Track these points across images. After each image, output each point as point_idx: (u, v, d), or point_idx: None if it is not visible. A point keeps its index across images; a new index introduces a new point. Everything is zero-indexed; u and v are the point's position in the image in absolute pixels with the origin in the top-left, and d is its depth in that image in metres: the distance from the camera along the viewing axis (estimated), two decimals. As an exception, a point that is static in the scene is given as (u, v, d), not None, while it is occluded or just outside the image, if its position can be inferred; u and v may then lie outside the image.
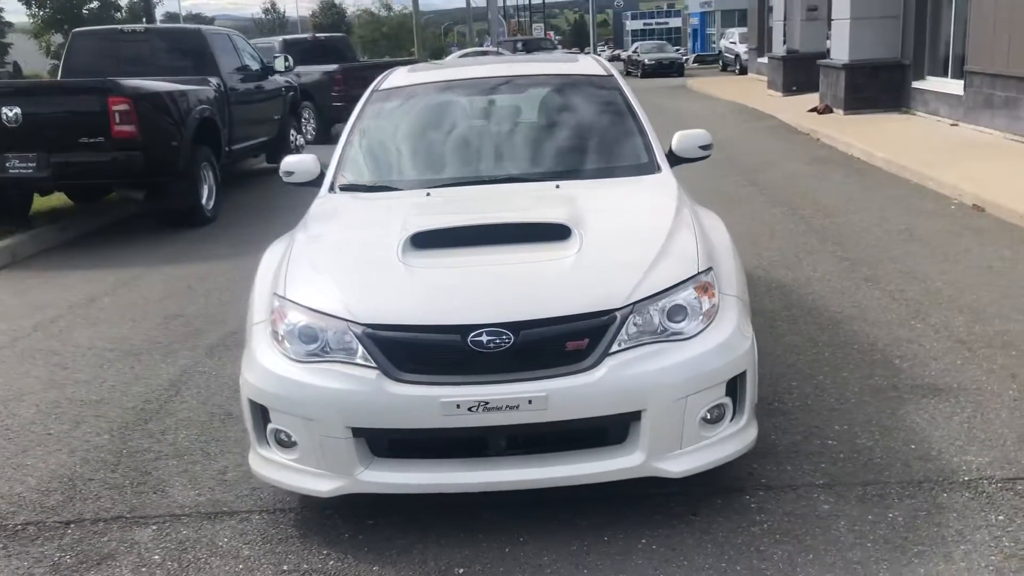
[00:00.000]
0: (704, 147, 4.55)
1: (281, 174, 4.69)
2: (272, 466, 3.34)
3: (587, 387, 3.04)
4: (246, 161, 12.78)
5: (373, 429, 3.12)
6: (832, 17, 15.88)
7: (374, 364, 3.11)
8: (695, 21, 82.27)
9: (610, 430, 3.17)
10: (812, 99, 16.90)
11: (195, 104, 9.48)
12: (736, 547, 3.13)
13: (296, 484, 3.28)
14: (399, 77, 5.07)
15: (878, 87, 14.82)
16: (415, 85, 4.95)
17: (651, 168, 4.35)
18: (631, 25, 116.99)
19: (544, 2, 75.89)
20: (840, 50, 15.34)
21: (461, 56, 25.92)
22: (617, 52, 40.65)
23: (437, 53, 58.24)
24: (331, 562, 3.19)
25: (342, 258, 3.57)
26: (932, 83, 14.22)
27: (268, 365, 3.27)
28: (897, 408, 4.15)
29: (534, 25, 73.12)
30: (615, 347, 3.10)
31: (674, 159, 4.49)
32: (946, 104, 13.52)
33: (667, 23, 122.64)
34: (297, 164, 4.60)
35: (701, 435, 3.19)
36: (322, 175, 4.57)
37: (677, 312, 3.21)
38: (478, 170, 4.42)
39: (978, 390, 4.31)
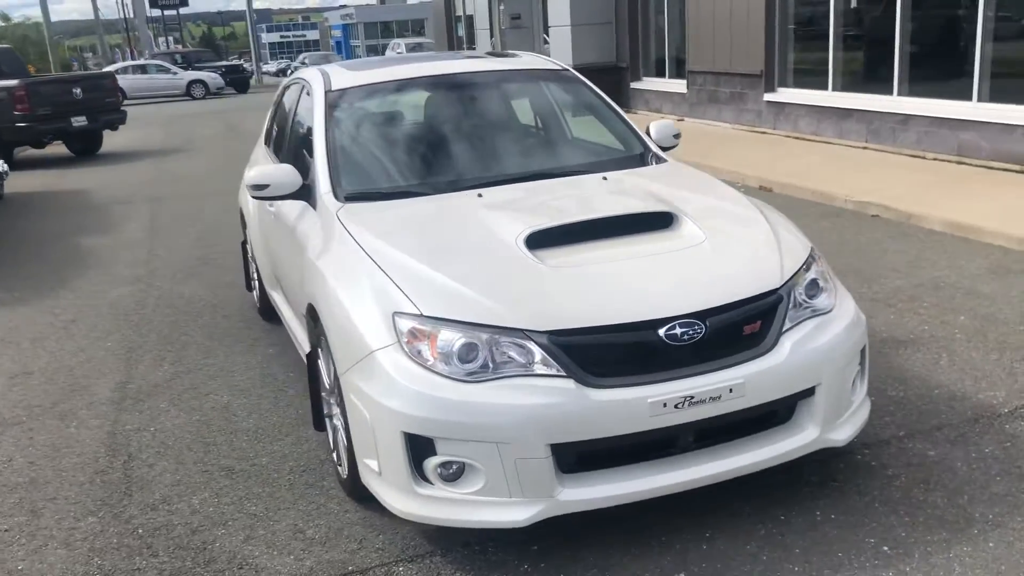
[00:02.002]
0: (676, 136, 4.69)
1: (248, 188, 4.13)
2: (439, 504, 2.96)
3: (776, 368, 3.04)
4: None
5: (573, 443, 2.88)
6: (549, 24, 16.83)
7: (564, 372, 2.88)
8: (338, 33, 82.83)
9: (779, 411, 3.19)
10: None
11: None
12: (898, 501, 3.29)
13: (479, 519, 2.93)
14: (341, 77, 4.64)
15: (601, 89, 15.90)
16: (372, 84, 4.57)
17: (658, 157, 4.40)
18: (267, 38, 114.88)
19: (178, 13, 71.86)
20: (563, 56, 16.28)
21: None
22: (297, 64, 38.92)
23: (67, 67, 53.25)
24: (530, 597, 2.91)
25: (466, 266, 3.22)
26: (652, 83, 15.59)
27: (430, 391, 2.89)
28: (891, 361, 4.58)
29: (159, 38, 68.47)
30: (786, 326, 3.14)
31: None
32: (670, 102, 14.89)
33: (304, 35, 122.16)
34: (273, 176, 4.08)
35: (851, 402, 3.32)
36: (304, 187, 4.09)
37: (812, 288, 3.31)
38: (505, 168, 4.19)
39: (932, 338, 4.87)
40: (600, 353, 2.92)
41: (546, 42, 17.89)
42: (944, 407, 4.03)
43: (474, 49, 23.27)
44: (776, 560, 3.00)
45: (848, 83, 11.16)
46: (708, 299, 3.03)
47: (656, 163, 4.36)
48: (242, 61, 50.06)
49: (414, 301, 3.06)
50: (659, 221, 3.47)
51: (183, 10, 71.85)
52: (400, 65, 4.83)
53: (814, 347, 3.14)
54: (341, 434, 3.54)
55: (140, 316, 6.38)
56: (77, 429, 4.52)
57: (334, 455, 3.73)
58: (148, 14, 58.70)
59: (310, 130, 4.37)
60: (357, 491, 3.46)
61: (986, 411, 3.97)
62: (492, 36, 20.51)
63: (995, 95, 9.03)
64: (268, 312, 5.93)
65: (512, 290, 3.08)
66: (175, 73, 35.97)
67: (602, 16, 15.98)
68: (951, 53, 9.68)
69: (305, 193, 4.09)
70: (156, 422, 4.53)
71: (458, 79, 4.70)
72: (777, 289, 3.17)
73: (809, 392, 3.15)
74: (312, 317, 3.72)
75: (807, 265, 3.36)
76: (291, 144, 4.91)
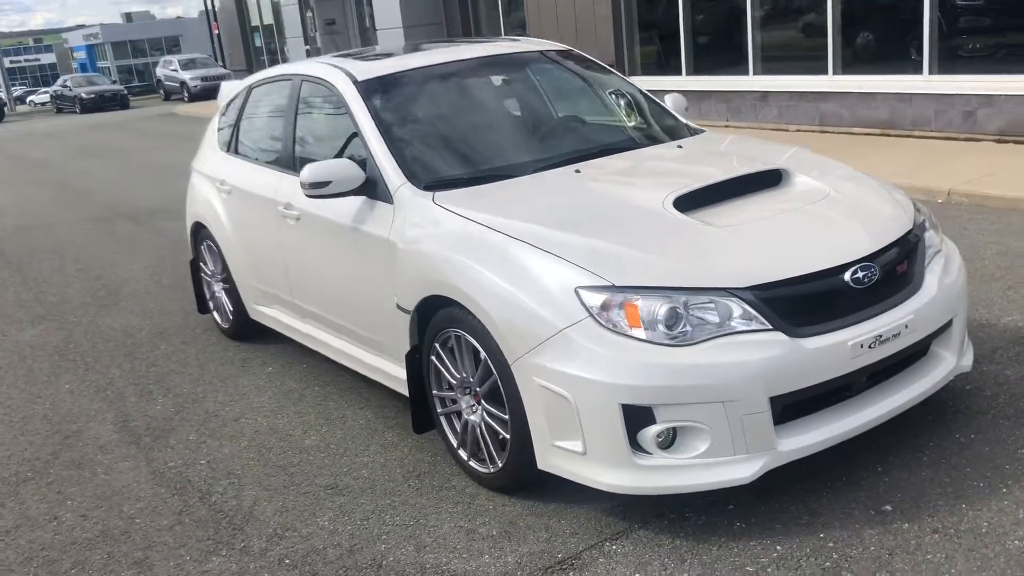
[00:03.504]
0: (686, 108, 4.84)
1: (306, 185, 3.85)
2: (661, 473, 2.91)
3: (932, 302, 3.23)
4: None
5: (789, 393, 2.93)
6: (377, 28, 16.63)
7: (770, 326, 2.92)
8: (82, 55, 77.31)
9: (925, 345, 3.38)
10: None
11: None
12: (1013, 416, 3.58)
13: (705, 481, 2.91)
14: (361, 68, 4.39)
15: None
16: (399, 73, 4.37)
17: (693, 128, 4.52)
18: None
19: None
20: (395, 58, 16.14)
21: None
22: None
23: None
24: (778, 547, 2.93)
25: (629, 234, 3.16)
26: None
27: (647, 359, 2.85)
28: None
29: None
30: (925, 263, 3.35)
31: None
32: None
33: (39, 59, 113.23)
34: (334, 171, 3.83)
35: (966, 332, 3.58)
36: (366, 182, 3.87)
37: (922, 228, 3.54)
38: (577, 144, 4.15)
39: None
40: (798, 303, 2.98)
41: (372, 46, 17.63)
42: (999, 331, 4.41)
43: (287, 60, 22.55)
44: (958, 480, 3.18)
45: (704, 67, 11.82)
46: (874, 242, 3.17)
47: (694, 134, 4.47)
48: None
49: (598, 273, 2.99)
50: (771, 178, 3.58)
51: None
52: (415, 54, 4.64)
53: (950, 281, 3.36)
54: (482, 427, 3.40)
55: (80, 353, 5.75)
56: (109, 475, 4.03)
57: (462, 452, 3.57)
58: None
59: (352, 126, 4.11)
60: (513, 483, 3.34)
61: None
62: (307, 44, 19.97)
63: (847, 68, 9.89)
64: (243, 333, 5.54)
65: (693, 251, 3.08)
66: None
67: (432, 17, 15.99)
68: (803, 32, 10.50)
69: (368, 188, 3.87)
70: (200, 455, 4.12)
71: (487, 62, 4.59)
72: (912, 229, 3.37)
73: (948, 323, 3.36)
74: (423, 312, 3.54)
75: (915, 206, 3.59)
76: (304, 145, 4.60)
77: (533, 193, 3.62)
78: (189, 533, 3.46)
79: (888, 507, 3.06)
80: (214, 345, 5.63)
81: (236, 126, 5.39)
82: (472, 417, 3.48)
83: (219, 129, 5.64)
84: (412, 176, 3.79)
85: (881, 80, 9.38)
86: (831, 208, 3.38)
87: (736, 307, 2.92)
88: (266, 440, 4.20)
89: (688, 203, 3.32)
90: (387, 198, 3.81)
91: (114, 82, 45.79)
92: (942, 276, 3.34)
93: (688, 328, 2.89)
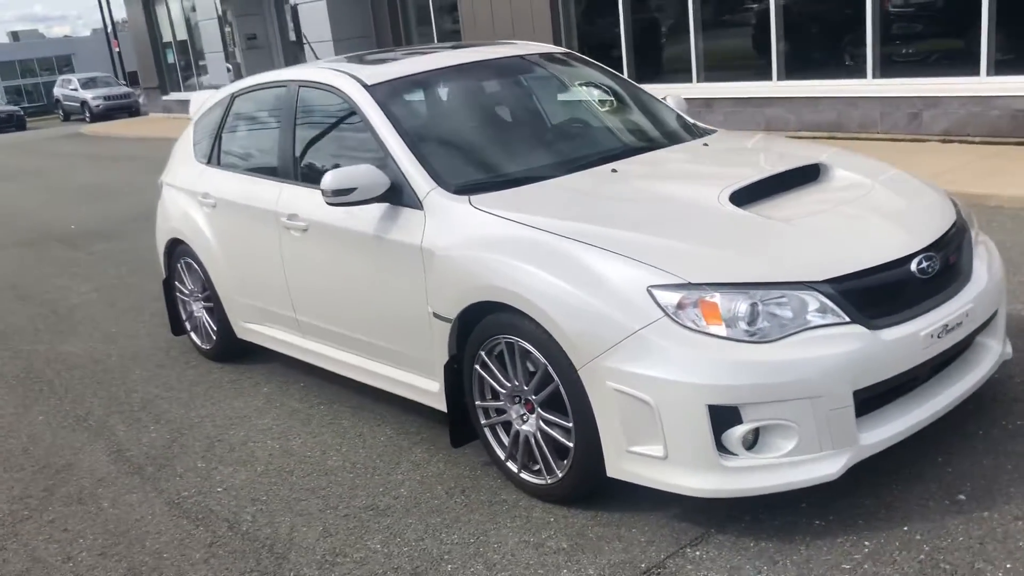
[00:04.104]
0: (686, 109, 4.82)
1: (328, 193, 3.67)
2: (748, 474, 2.83)
3: (985, 292, 3.25)
4: None
5: (871, 386, 2.89)
6: (310, 41, 16.30)
7: (848, 319, 2.89)
8: (-39, 75, 73.95)
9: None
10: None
11: None
12: (1051, 402, 3.64)
13: (795, 479, 2.83)
14: (370, 73, 4.21)
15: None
16: (409, 76, 4.22)
17: (708, 127, 4.50)
18: None
19: None
20: (325, 71, 15.86)
21: None
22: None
23: None
24: (866, 543, 2.88)
25: (690, 230, 3.09)
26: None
27: (732, 357, 2.77)
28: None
29: None
30: (972, 254, 3.37)
31: None
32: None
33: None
34: (358, 177, 3.66)
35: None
36: (391, 188, 3.72)
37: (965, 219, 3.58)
38: (604, 144, 4.08)
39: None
40: (871, 295, 2.96)
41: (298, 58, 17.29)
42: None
43: (206, 76, 21.96)
44: (1021, 467, 3.20)
45: (646, 75, 11.93)
46: (932, 232, 3.18)
47: (708, 132, 4.44)
48: None
49: (671, 271, 2.91)
50: (812, 173, 3.57)
51: None
52: (420, 57, 4.49)
53: (995, 270, 3.39)
54: (537, 437, 3.28)
55: (45, 383, 5.40)
56: (117, 509, 3.76)
57: (511, 464, 3.44)
58: None
59: (366, 131, 3.95)
60: (574, 493, 3.23)
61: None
62: (227, 60, 19.44)
63: (791, 74, 10.11)
64: (227, 353, 5.28)
65: (763, 246, 3.03)
66: None
67: (362, 30, 15.78)
68: (747, 39, 10.68)
69: (392, 195, 3.71)
70: (215, 482, 3.88)
71: (495, 65, 4.48)
72: (957, 222, 3.39)
73: (995, 312, 3.39)
74: (465, 320, 3.41)
75: (951, 199, 3.63)
76: (307, 153, 4.40)
77: (575, 194, 3.52)
78: (228, 565, 3.23)
79: (962, 496, 3.06)
80: (195, 367, 5.34)
81: (217, 137, 5.14)
82: (524, 427, 3.35)
83: (195, 141, 5.37)
84: (440, 180, 3.65)
85: (826, 84, 9.61)
86: (881, 200, 3.38)
87: (813, 301, 2.87)
88: (284, 463, 3.98)
89: (743, 198, 3.28)
90: (414, 204, 3.65)
91: (9, 103, 43.88)
92: (987, 267, 3.37)
93: (765, 324, 2.84)
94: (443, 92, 4.27)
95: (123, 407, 4.86)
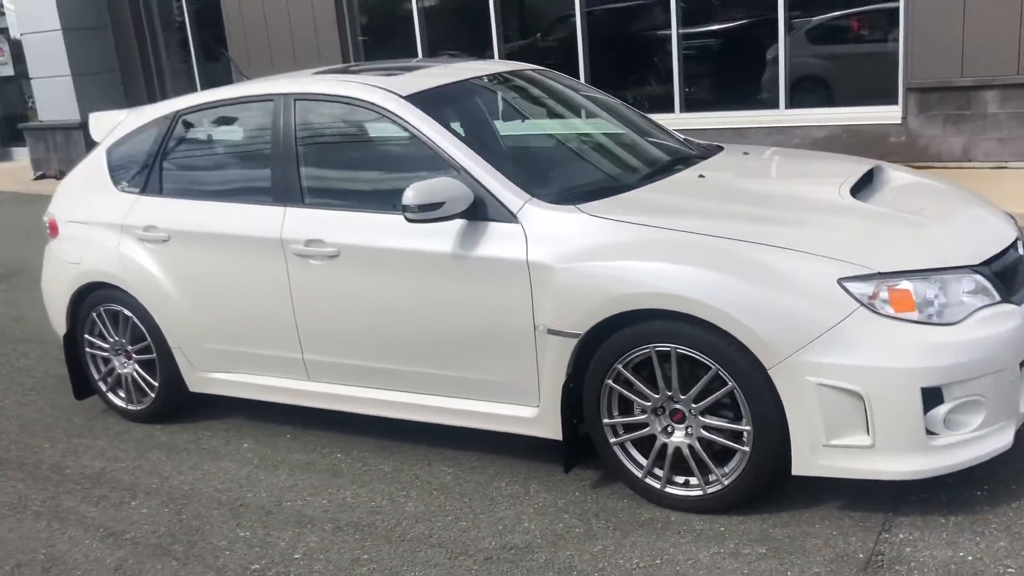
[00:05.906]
0: None
1: (412, 207, 3.35)
2: (951, 451, 2.94)
3: None
4: None
5: (1024, 359, 3.12)
6: (31, 76, 14.49)
7: (1000, 298, 3.11)
8: None
9: None
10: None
11: None
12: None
13: (983, 452, 2.97)
14: (402, 83, 3.89)
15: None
16: (442, 87, 3.94)
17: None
18: None
19: None
20: (67, 111, 14.22)
21: None
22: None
23: None
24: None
25: (849, 223, 3.17)
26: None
27: (935, 340, 2.90)
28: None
29: None
30: None
31: None
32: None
33: None
34: (445, 191, 3.38)
35: None
36: (475, 203, 3.48)
37: None
38: (660, 155, 4.04)
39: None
40: (1003, 276, 3.21)
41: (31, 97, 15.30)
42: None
43: None
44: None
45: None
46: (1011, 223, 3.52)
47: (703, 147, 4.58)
48: None
49: (858, 262, 2.98)
50: (870, 176, 3.80)
51: None
52: (423, 71, 4.19)
53: None
54: (694, 447, 3.19)
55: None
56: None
57: (650, 481, 3.30)
58: None
59: (411, 145, 3.65)
60: (743, 498, 3.17)
61: None
62: None
63: (690, 106, 10.50)
64: (165, 414, 4.57)
65: (917, 235, 3.20)
66: None
67: (103, 64, 14.34)
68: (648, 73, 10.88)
69: (476, 210, 3.46)
70: (284, 549, 3.34)
71: (515, 77, 4.32)
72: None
73: None
74: (597, 335, 3.24)
75: None
76: (317, 173, 3.95)
77: (692, 197, 3.49)
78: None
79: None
80: (129, 433, 4.54)
81: (156, 161, 4.45)
82: (673, 439, 3.23)
83: (113, 168, 4.62)
84: (531, 192, 3.46)
85: (735, 116, 10.03)
86: (952, 195, 3.68)
87: (972, 283, 3.07)
88: (352, 517, 3.51)
89: (857, 192, 3.43)
90: (504, 217, 3.42)
91: None
92: None
93: (949, 307, 2.98)
94: (478, 103, 4.04)
95: (72, 487, 4.03)
